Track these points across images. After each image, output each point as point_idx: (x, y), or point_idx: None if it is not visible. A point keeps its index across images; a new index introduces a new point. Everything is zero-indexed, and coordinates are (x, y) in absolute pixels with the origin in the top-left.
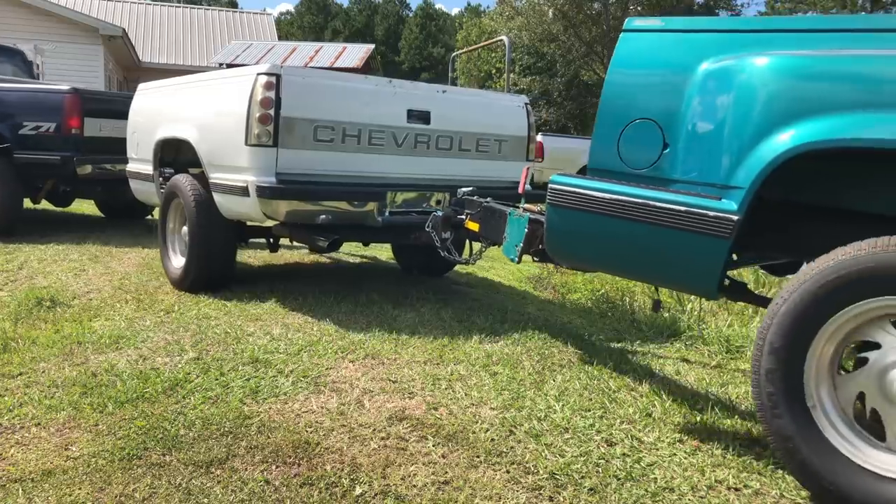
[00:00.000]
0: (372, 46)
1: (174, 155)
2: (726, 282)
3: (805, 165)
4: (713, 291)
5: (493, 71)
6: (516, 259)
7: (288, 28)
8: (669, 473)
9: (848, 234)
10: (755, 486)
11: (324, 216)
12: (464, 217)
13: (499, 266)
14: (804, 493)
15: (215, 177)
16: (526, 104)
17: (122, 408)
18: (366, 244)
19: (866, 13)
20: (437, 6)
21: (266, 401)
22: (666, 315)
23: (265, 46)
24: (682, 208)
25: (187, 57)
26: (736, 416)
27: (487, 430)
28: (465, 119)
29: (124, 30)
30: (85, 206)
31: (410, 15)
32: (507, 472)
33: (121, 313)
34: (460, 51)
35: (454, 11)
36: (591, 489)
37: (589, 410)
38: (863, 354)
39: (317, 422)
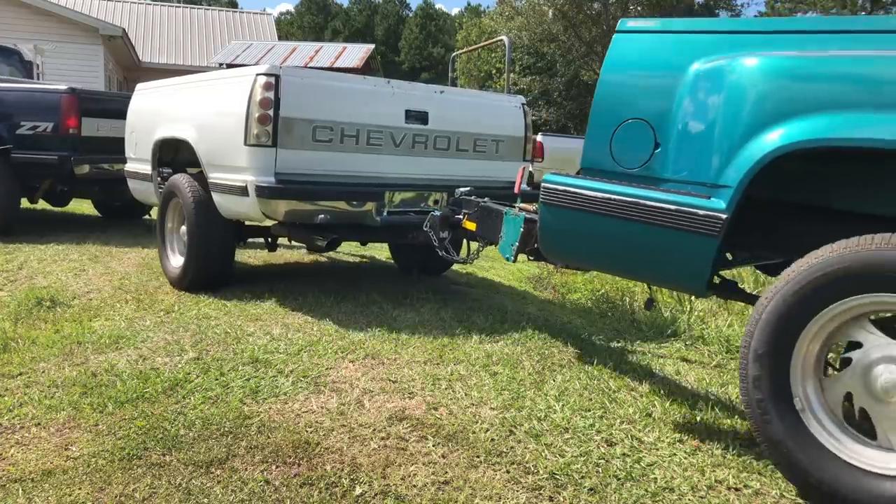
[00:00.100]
0: (372, 46)
1: (173, 155)
2: (717, 280)
3: (793, 165)
4: (702, 289)
5: (493, 71)
6: (512, 258)
7: (288, 28)
8: (669, 473)
9: (836, 234)
10: (755, 486)
11: (322, 216)
12: (461, 217)
13: (499, 266)
14: None
15: (214, 176)
16: (523, 104)
17: (122, 408)
18: (364, 244)
19: (866, 13)
20: (437, 6)
21: (266, 401)
22: (666, 315)
23: (265, 46)
24: (672, 207)
25: (187, 57)
26: (736, 416)
27: (487, 430)
28: (462, 119)
29: (124, 30)
30: (84, 206)
31: (410, 15)
32: (507, 472)
33: (121, 313)
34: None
35: (454, 11)
36: (591, 489)
37: (589, 410)
38: (846, 355)
39: (317, 422)
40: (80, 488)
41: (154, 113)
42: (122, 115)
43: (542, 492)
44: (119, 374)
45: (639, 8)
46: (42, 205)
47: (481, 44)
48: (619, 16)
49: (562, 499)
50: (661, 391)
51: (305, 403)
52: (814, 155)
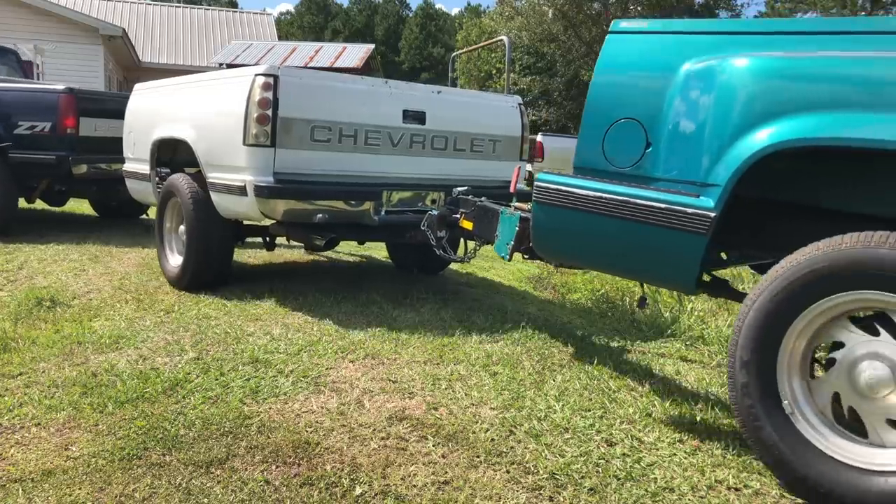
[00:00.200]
0: (372, 46)
1: (171, 155)
2: (708, 278)
3: (783, 165)
4: (691, 286)
5: (494, 71)
6: (507, 257)
7: (288, 28)
8: (669, 473)
9: (825, 233)
10: (755, 486)
11: (320, 215)
12: (458, 216)
13: (499, 266)
14: None
15: (213, 176)
16: (520, 104)
17: (122, 408)
18: (361, 243)
19: (866, 13)
20: (437, 6)
21: (266, 401)
22: (666, 315)
23: (265, 46)
24: (662, 205)
25: (187, 57)
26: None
27: (487, 430)
28: (460, 119)
29: (124, 30)
30: (84, 206)
31: (410, 15)
32: (507, 472)
33: (121, 313)
34: (460, 51)
35: (454, 11)
36: (591, 489)
37: (589, 410)
38: (831, 355)
39: (317, 422)
40: (80, 488)
41: (152, 113)
42: (119, 115)
43: (542, 492)
44: (119, 374)
45: (639, 8)
46: (41, 205)
47: (481, 44)
48: (619, 16)
49: (562, 499)
50: (661, 391)
51: (305, 403)
52: (802, 154)
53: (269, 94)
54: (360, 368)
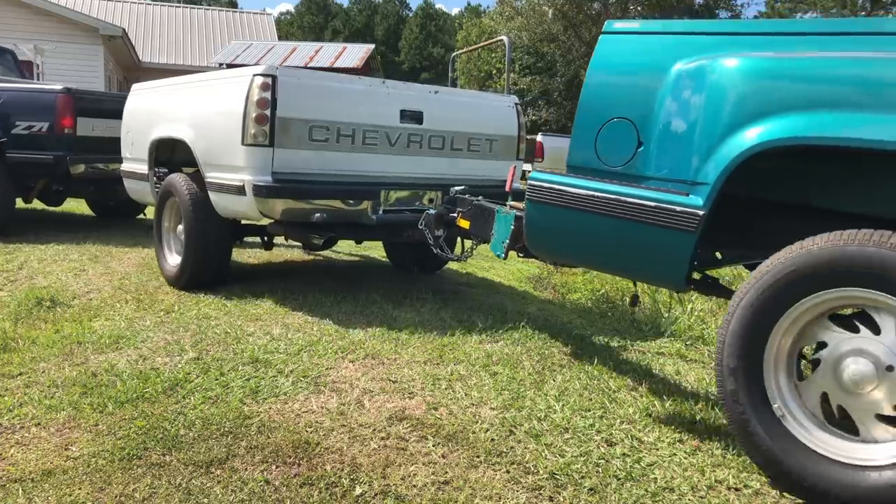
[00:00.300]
0: (372, 46)
1: (169, 155)
2: (698, 276)
3: (773, 164)
4: (681, 284)
5: (494, 71)
6: (503, 255)
7: (288, 28)
8: (669, 473)
9: (814, 232)
10: (755, 486)
11: (319, 214)
12: (455, 215)
13: (499, 266)
14: None
15: (211, 176)
16: (516, 104)
17: (122, 408)
18: (359, 242)
19: (866, 13)
20: (437, 6)
21: (266, 401)
22: (666, 315)
23: (265, 46)
24: (652, 203)
25: (187, 57)
26: None
27: (487, 430)
28: (456, 119)
29: (124, 30)
30: (83, 206)
31: (410, 15)
32: (507, 472)
33: (121, 313)
34: (460, 51)
35: (454, 11)
36: (591, 489)
37: (589, 410)
38: (815, 356)
39: (317, 422)
40: (80, 488)
41: (151, 113)
42: (117, 114)
43: (542, 492)
44: (119, 374)
45: (638, 8)
46: (40, 205)
47: (481, 44)
48: (619, 16)
49: (562, 499)
50: (661, 391)
51: (305, 403)
52: (792, 154)
53: (268, 95)
54: (360, 368)
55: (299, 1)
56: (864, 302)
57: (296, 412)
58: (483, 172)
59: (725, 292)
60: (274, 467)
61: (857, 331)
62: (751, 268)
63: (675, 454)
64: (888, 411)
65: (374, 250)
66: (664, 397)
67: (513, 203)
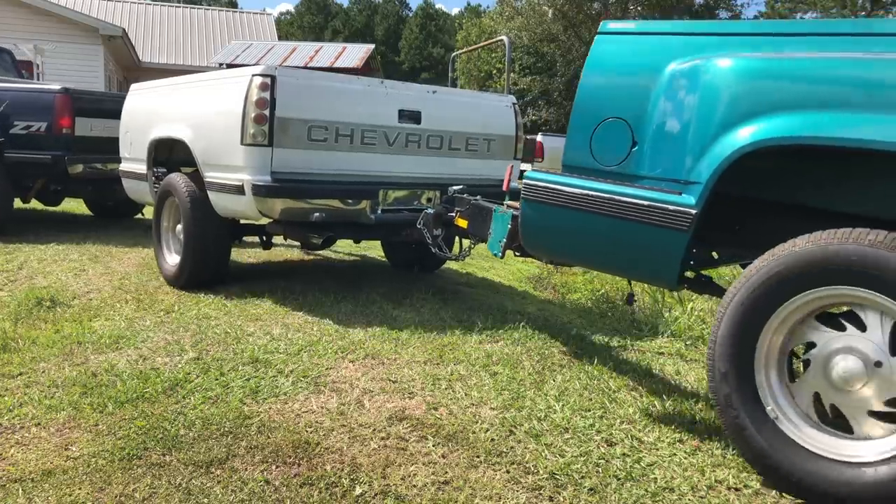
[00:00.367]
0: (372, 46)
1: (167, 155)
2: (692, 274)
3: (766, 163)
4: (673, 282)
5: (494, 71)
6: (500, 254)
7: (288, 28)
8: (669, 473)
9: (808, 231)
10: (755, 486)
11: (317, 214)
12: (454, 214)
13: (499, 266)
14: None
15: (210, 176)
16: (514, 104)
17: (122, 408)
18: (357, 242)
19: (866, 13)
20: (437, 6)
21: (266, 401)
22: (666, 315)
23: (265, 46)
24: (645, 202)
25: (187, 57)
26: None
27: (487, 430)
28: (454, 119)
29: (124, 30)
30: (83, 206)
31: (410, 15)
32: (507, 472)
33: (121, 313)
34: (460, 51)
35: (454, 11)
36: (591, 489)
37: (589, 410)
38: (805, 356)
39: (317, 422)
40: (80, 488)
41: (149, 113)
42: (115, 114)
43: (542, 492)
44: (119, 374)
45: (639, 8)
46: (40, 206)
47: (481, 44)
48: (619, 16)
49: (562, 499)
50: (661, 391)
51: (305, 403)
52: (785, 154)
53: (267, 94)
54: (360, 368)
55: (299, 1)
56: (849, 300)
57: (296, 412)
58: (481, 172)
59: (719, 291)
60: (274, 467)
61: (843, 329)
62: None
63: (675, 454)
64: (879, 407)
65: (374, 250)
66: (664, 397)
67: (510, 202)
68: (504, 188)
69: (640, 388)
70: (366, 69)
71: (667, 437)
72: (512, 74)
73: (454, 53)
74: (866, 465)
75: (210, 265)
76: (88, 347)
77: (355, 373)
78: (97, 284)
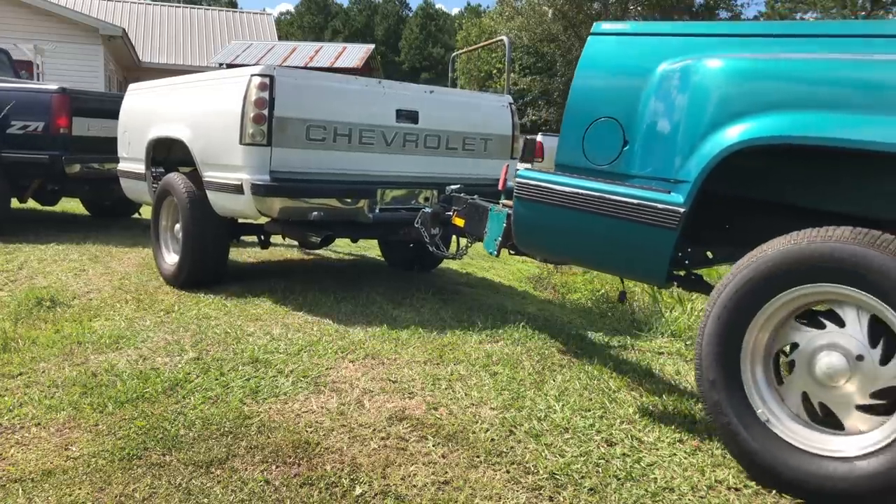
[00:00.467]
0: (372, 46)
1: (165, 154)
2: (682, 273)
3: (757, 163)
4: (662, 279)
5: (494, 71)
6: (495, 252)
7: (288, 28)
8: (669, 473)
9: (792, 229)
10: (755, 486)
11: (316, 213)
12: (451, 213)
13: (499, 266)
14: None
15: (209, 175)
16: (510, 104)
17: (122, 408)
18: (355, 241)
19: (866, 13)
20: (437, 6)
21: (266, 401)
22: (667, 315)
23: (265, 46)
24: (635, 201)
25: (187, 57)
26: None
27: (487, 430)
28: (451, 119)
29: (124, 30)
30: (81, 206)
31: (410, 15)
32: (507, 472)
33: (121, 313)
34: (460, 51)
35: (454, 11)
36: (591, 489)
37: (589, 410)
38: (791, 358)
39: (317, 422)
40: (80, 488)
41: (148, 113)
42: (112, 114)
43: (542, 492)
44: (119, 374)
45: (639, 8)
46: (37, 206)
47: (481, 44)
48: (620, 16)
49: (562, 499)
50: (661, 391)
51: (305, 403)
52: (776, 153)
53: (266, 94)
54: (360, 368)
55: (299, 1)
56: (827, 297)
57: (296, 412)
58: (478, 171)
59: (708, 289)
60: (274, 467)
61: (823, 327)
62: None
63: (675, 454)
64: (865, 400)
65: (374, 250)
66: (664, 397)
67: (505, 201)
68: (500, 187)
69: (640, 388)
70: (366, 69)
71: (667, 437)
72: (512, 74)
73: (454, 53)
74: (858, 458)
75: (209, 264)
76: (88, 347)
77: (355, 373)
78: (97, 284)
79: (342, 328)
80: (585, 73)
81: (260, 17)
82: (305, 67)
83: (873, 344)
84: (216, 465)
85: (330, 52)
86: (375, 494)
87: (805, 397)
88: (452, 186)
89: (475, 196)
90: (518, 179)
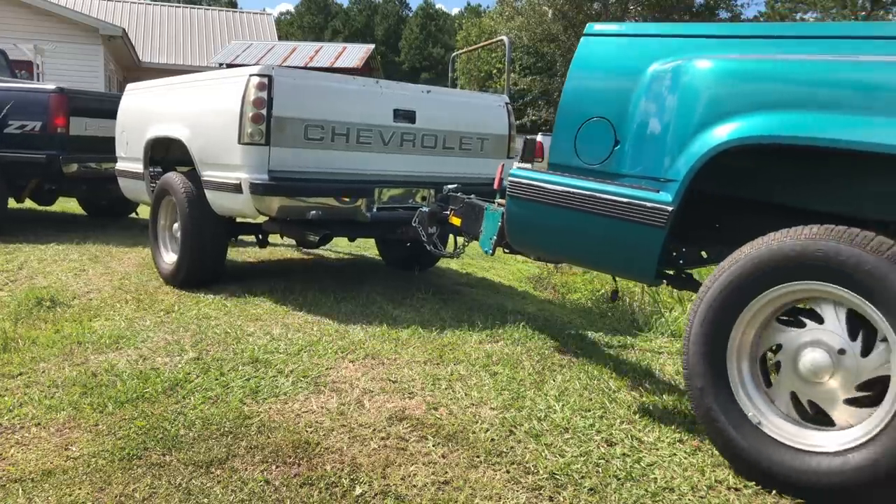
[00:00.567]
0: (372, 46)
1: (163, 154)
2: (671, 271)
3: (747, 163)
4: (651, 277)
5: (494, 71)
6: (490, 251)
7: (288, 28)
8: (669, 473)
9: (780, 228)
10: (755, 487)
11: (314, 212)
12: (448, 213)
13: (499, 266)
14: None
15: (208, 174)
16: (507, 103)
17: (122, 408)
18: (352, 240)
19: (866, 13)
20: (437, 6)
21: (266, 401)
22: (667, 314)
23: (265, 46)
24: (624, 200)
25: (187, 57)
26: None
27: (487, 430)
28: (448, 118)
29: (124, 30)
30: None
31: (410, 15)
32: (507, 472)
33: (121, 313)
34: (460, 51)
35: (454, 11)
36: (591, 489)
37: (589, 410)
38: (776, 359)
39: (317, 422)
40: (80, 488)
41: (146, 113)
42: (110, 114)
43: (542, 492)
44: (119, 374)
45: (639, 8)
46: (34, 205)
47: (481, 44)
48: (619, 16)
49: (562, 499)
50: (662, 391)
51: (305, 403)
52: (763, 153)
53: (264, 94)
54: (360, 368)
55: (299, 1)
56: (805, 294)
57: (296, 412)
58: (474, 170)
59: (698, 287)
60: (274, 467)
61: (804, 326)
62: None
63: (675, 454)
64: (852, 393)
65: (374, 249)
66: (664, 397)
67: (500, 201)
68: (495, 186)
69: (640, 388)
70: (366, 69)
71: (667, 437)
72: (512, 74)
73: (454, 53)
74: (849, 451)
75: (207, 263)
76: (88, 347)
77: (355, 373)
78: (97, 284)
79: (342, 328)
80: (578, 74)
81: (260, 17)
82: (305, 67)
83: (853, 337)
84: (216, 465)
85: (330, 53)
86: (375, 494)
87: (794, 397)
88: (450, 186)
89: (472, 195)
90: (510, 179)
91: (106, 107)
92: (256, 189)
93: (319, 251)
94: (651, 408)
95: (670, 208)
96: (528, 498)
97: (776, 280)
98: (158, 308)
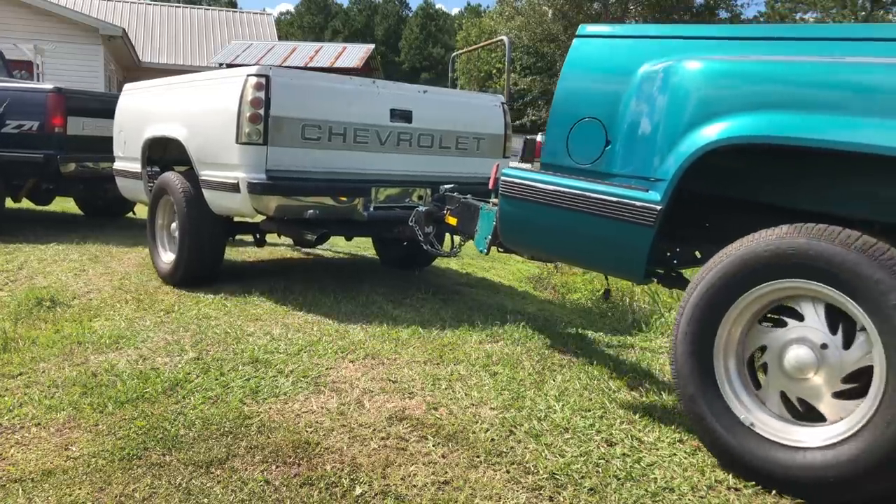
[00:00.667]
0: (372, 46)
1: (161, 154)
2: (661, 270)
3: (736, 163)
4: (640, 276)
5: (494, 71)
6: (485, 250)
7: (288, 28)
8: (669, 473)
9: (766, 227)
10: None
11: (311, 211)
12: (445, 212)
13: (499, 266)
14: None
15: (205, 174)
16: (503, 103)
17: (122, 408)
18: (349, 238)
19: (866, 13)
20: (437, 6)
21: (266, 401)
22: (667, 315)
23: (265, 46)
24: (614, 199)
25: (187, 57)
26: None
27: (487, 430)
28: (445, 118)
29: (124, 30)
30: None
31: (410, 15)
32: (507, 472)
33: (121, 313)
34: (460, 51)
35: (454, 11)
36: (591, 489)
37: (589, 410)
38: (763, 361)
39: (317, 422)
40: (80, 488)
41: (144, 112)
42: (107, 114)
43: (542, 492)
44: (119, 374)
45: (638, 8)
46: (32, 205)
47: (481, 44)
48: (619, 16)
49: (562, 499)
50: (662, 391)
51: (305, 403)
52: (752, 153)
53: (262, 94)
54: (360, 368)
55: (299, 1)
56: (786, 293)
57: (296, 412)
58: (471, 170)
59: (687, 285)
60: (274, 467)
61: (785, 325)
62: None
63: (675, 454)
64: (839, 387)
65: (373, 249)
66: (664, 397)
67: (495, 200)
68: (490, 186)
69: (640, 388)
70: (366, 69)
71: (667, 437)
72: (512, 74)
73: (454, 54)
74: (843, 442)
75: (205, 262)
76: (88, 347)
77: (355, 373)
78: (97, 284)
79: (342, 328)
80: (570, 75)
81: (260, 17)
82: (305, 67)
83: (833, 331)
84: (216, 465)
85: (330, 53)
86: (375, 494)
87: (784, 396)
88: (446, 185)
89: (468, 195)
90: (503, 178)
91: (104, 106)
92: (254, 188)
93: (318, 250)
94: (651, 408)
95: (659, 207)
96: (528, 498)
97: (760, 279)
98: (158, 308)
